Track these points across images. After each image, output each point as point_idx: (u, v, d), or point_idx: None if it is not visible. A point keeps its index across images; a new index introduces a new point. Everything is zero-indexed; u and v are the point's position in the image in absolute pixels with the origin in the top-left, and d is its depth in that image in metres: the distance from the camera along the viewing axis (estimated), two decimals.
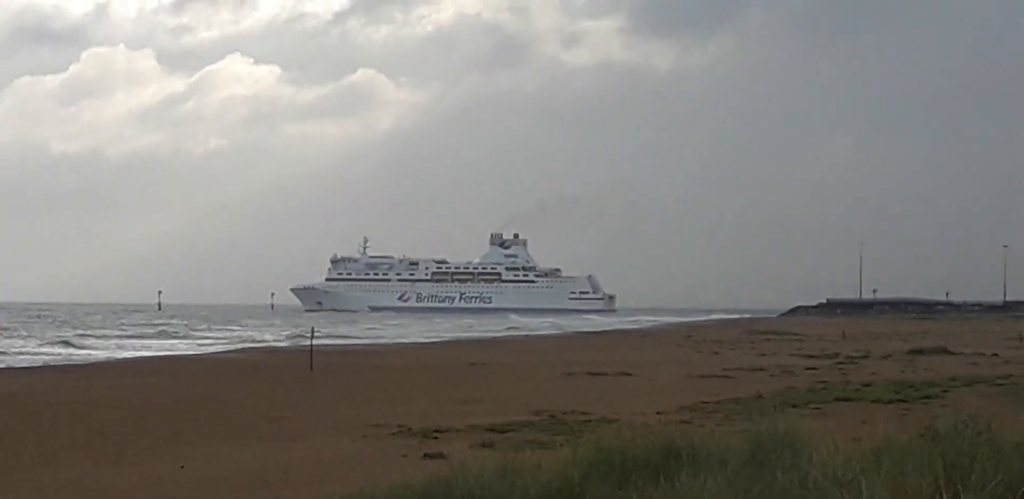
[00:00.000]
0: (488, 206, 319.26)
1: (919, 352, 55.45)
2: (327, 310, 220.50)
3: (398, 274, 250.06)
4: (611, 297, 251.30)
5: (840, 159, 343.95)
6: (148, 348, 72.78)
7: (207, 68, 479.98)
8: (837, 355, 54.53)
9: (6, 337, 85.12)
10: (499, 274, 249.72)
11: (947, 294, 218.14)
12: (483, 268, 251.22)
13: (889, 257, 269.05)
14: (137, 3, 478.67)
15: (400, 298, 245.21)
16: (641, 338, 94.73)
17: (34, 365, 52.88)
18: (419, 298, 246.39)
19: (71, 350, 68.32)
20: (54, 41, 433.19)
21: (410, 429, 24.10)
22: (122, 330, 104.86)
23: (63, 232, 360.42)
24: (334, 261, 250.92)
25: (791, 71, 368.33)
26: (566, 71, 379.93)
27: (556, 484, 10.28)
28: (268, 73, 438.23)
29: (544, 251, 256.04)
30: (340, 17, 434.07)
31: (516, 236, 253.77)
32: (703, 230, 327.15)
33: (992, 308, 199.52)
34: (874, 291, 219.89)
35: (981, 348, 58.97)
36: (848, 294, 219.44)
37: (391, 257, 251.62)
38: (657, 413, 26.43)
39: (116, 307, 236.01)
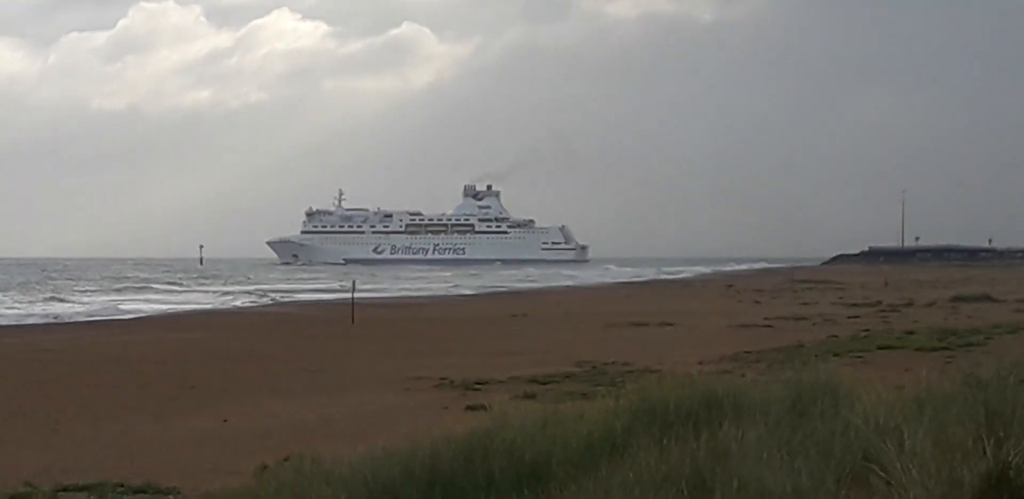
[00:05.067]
0: (493, 158, 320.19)
1: (962, 299, 55.20)
2: (302, 263, 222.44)
3: (372, 226, 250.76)
4: (583, 247, 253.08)
5: (880, 108, 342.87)
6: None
7: (252, 23, 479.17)
8: (879, 303, 54.36)
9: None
10: (472, 225, 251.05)
11: (990, 241, 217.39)
12: (456, 220, 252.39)
13: (931, 204, 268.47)
14: None
15: (374, 250, 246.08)
16: (682, 288, 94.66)
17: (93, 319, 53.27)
18: (393, 250, 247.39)
19: None
20: None
21: (452, 382, 24.16)
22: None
23: (105, 188, 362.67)
24: (309, 214, 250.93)
25: (829, 20, 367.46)
26: (608, 23, 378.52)
27: (598, 434, 10.26)
28: (314, 28, 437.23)
29: (544, 203, 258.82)
30: None
31: (489, 187, 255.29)
32: (737, 180, 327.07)
33: None
34: (916, 239, 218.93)
35: None
36: (890, 242, 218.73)
37: (366, 210, 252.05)
38: (699, 363, 26.30)
39: (158, 262, 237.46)
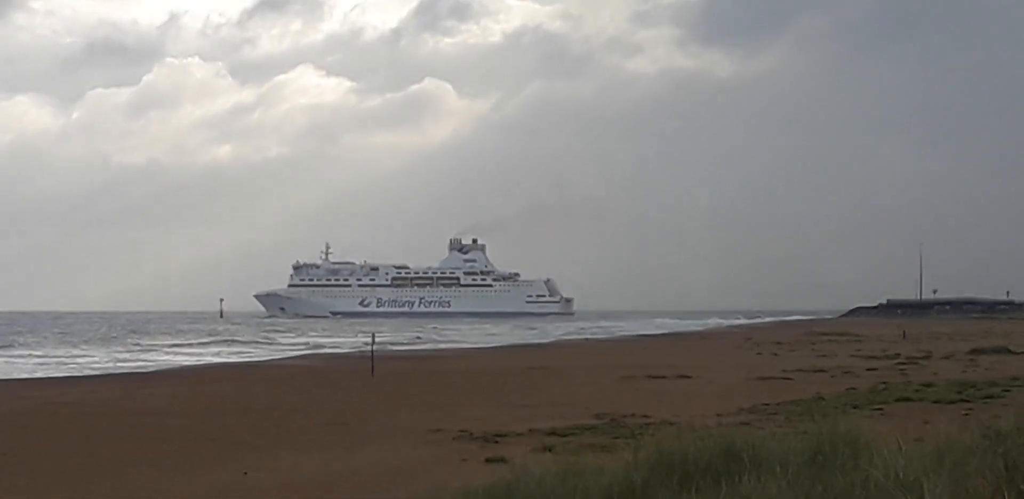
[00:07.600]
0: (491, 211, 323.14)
1: (980, 352, 55.06)
2: (290, 316, 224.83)
3: (358, 280, 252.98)
4: (568, 300, 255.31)
5: (897, 161, 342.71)
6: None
7: (276, 79, 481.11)
8: (898, 356, 54.23)
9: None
10: (457, 279, 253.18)
11: (1008, 293, 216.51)
12: (442, 273, 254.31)
13: (949, 257, 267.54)
14: (211, 16, 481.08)
15: (361, 303, 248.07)
16: (700, 340, 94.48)
17: (105, 373, 53.27)
18: (379, 303, 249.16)
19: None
20: (128, 54, 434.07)
21: (471, 434, 24.15)
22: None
23: (125, 242, 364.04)
24: (296, 267, 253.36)
25: (845, 75, 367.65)
26: (625, 79, 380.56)
27: (618, 487, 10.30)
28: (337, 84, 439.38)
29: (532, 256, 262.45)
30: (408, 28, 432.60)
31: (475, 241, 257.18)
32: (753, 234, 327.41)
33: None
34: (934, 291, 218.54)
35: None
36: (908, 295, 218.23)
37: (352, 263, 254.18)
38: (717, 415, 26.35)
39: (178, 315, 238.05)
